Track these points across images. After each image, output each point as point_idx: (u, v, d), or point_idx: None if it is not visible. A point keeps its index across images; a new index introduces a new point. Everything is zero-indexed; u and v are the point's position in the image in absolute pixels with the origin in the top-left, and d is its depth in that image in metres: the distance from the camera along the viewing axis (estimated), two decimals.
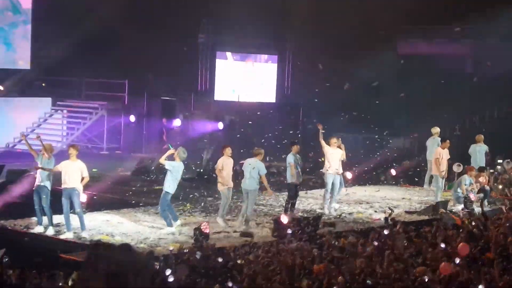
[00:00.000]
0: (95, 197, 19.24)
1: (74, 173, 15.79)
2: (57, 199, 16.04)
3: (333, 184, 19.18)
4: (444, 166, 20.92)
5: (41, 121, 31.21)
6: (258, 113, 31.70)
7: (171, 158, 17.02)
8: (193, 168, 24.82)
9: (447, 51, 36.89)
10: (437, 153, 20.95)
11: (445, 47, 36.74)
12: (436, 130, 22.88)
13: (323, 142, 19.05)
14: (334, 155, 19.09)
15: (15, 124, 30.38)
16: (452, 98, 31.96)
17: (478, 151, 22.68)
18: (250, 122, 30.55)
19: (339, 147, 19.85)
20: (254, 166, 17.39)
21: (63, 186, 15.86)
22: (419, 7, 32.31)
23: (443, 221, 16.78)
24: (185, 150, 17.08)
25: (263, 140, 29.45)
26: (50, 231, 16.00)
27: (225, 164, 17.27)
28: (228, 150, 17.51)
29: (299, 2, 31.41)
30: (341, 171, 19.71)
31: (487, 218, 16.07)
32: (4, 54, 30.81)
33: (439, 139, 22.22)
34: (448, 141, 21.25)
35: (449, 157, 21.21)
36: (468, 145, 23.19)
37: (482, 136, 22.96)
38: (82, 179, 15.96)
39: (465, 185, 20.25)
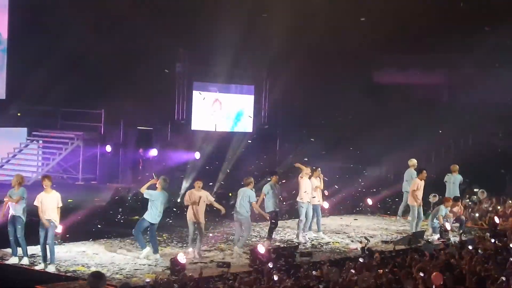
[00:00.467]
0: (70, 228, 19.06)
1: (49, 205, 15.67)
2: (31, 230, 15.92)
3: (307, 213, 19.31)
4: (420, 196, 20.94)
5: (16, 152, 31.01)
6: (235, 142, 31.79)
7: (153, 187, 17.08)
8: (172, 198, 24.72)
9: (422, 80, 37.20)
10: (415, 185, 20.94)
11: (421, 76, 37.04)
12: (412, 162, 22.81)
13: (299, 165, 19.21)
14: (307, 185, 19.17)
15: None
16: (428, 126, 32.17)
17: (453, 181, 22.82)
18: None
19: (318, 177, 19.98)
20: (244, 195, 17.65)
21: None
22: (394, 36, 32.60)
23: (424, 250, 16.80)
24: (166, 179, 17.23)
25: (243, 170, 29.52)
26: (25, 262, 15.85)
27: (192, 198, 17.15)
28: (197, 184, 17.32)
29: (276, 32, 31.57)
30: (317, 201, 19.87)
31: (463, 248, 16.15)
32: None
33: (415, 172, 22.22)
34: (424, 171, 21.23)
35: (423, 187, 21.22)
36: (443, 173, 23.30)
37: (457, 166, 23.06)
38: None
39: (442, 215, 20.34)
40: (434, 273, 11.69)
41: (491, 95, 34.30)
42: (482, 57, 34.07)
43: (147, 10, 30.67)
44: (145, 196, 17.02)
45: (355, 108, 32.78)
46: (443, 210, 20.49)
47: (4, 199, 16.09)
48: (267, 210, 18.72)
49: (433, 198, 22.95)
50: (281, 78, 33.42)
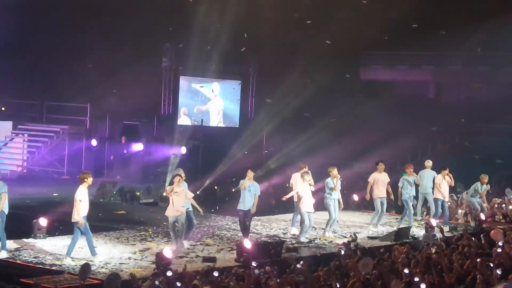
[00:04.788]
0: (56, 222, 19.01)
1: None
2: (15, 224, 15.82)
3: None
4: (383, 190, 20.80)
5: (1, 145, 30.87)
6: (221, 137, 31.78)
7: None
8: (157, 193, 24.72)
9: (408, 77, 37.32)
10: (371, 178, 20.94)
11: (407, 73, 37.16)
12: (429, 163, 22.59)
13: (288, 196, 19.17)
14: (306, 191, 18.99)
15: None
16: (415, 123, 32.23)
17: (427, 176, 22.52)
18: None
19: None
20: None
21: None
22: (382, 33, 32.64)
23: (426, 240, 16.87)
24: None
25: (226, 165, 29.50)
26: (3, 256, 15.65)
27: (174, 194, 17.02)
28: (176, 178, 17.10)
29: (263, 28, 31.55)
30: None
31: (448, 244, 16.17)
32: None
33: (434, 172, 22.11)
34: (380, 163, 21.13)
35: (388, 180, 21.04)
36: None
37: (431, 162, 22.75)
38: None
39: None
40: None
41: (477, 93, 34.46)
42: (467, 55, 34.20)
43: (134, 4, 30.58)
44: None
45: (342, 105, 32.77)
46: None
47: None
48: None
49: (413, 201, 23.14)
50: (268, 74, 33.43)
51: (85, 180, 15.76)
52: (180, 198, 16.96)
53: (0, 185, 15.68)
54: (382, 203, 20.84)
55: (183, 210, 17.01)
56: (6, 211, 15.76)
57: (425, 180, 22.18)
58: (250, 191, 18.12)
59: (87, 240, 15.79)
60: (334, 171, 19.55)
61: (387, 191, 20.91)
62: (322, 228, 20.20)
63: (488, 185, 22.85)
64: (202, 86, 33.28)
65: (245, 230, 18.30)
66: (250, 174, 18.30)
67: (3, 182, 15.87)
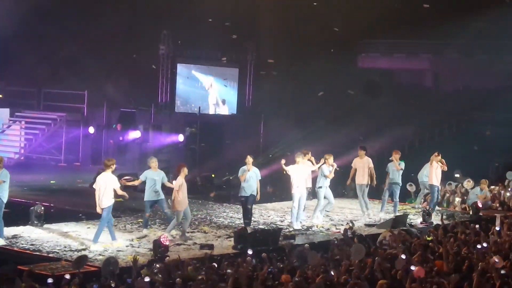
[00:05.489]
0: (53, 209, 19.03)
1: None
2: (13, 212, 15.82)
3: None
4: (361, 176, 20.70)
5: None
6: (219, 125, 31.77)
7: None
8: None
9: (406, 65, 37.30)
10: (353, 163, 20.85)
11: (405, 61, 37.14)
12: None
13: (285, 168, 18.96)
14: (298, 173, 18.92)
15: None
16: (412, 111, 32.22)
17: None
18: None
19: (309, 160, 19.79)
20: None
21: None
22: (380, 21, 32.57)
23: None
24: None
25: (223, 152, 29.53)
26: (0, 242, 15.66)
27: (182, 186, 16.93)
28: (185, 170, 17.07)
29: (261, 15, 31.48)
30: (309, 185, 19.75)
31: (445, 232, 16.19)
32: None
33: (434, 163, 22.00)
34: (359, 149, 21.02)
35: (370, 165, 20.92)
36: (427, 160, 22.94)
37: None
38: None
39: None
40: (416, 268, 11.64)
41: (475, 81, 34.42)
42: (465, 43, 34.15)
43: None
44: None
45: (339, 93, 32.76)
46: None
47: None
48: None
49: (410, 188, 23.13)
50: (266, 61, 33.34)
51: (111, 166, 15.78)
52: (185, 189, 16.96)
53: (4, 173, 15.67)
54: (361, 190, 20.77)
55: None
56: (5, 200, 15.73)
57: (425, 170, 22.18)
58: (251, 177, 18.17)
59: (101, 226, 15.79)
60: (331, 159, 19.59)
61: (371, 177, 20.81)
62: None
63: (487, 188, 22.84)
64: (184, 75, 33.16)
65: (247, 213, 18.34)
66: (249, 159, 18.32)
67: (7, 171, 15.82)
